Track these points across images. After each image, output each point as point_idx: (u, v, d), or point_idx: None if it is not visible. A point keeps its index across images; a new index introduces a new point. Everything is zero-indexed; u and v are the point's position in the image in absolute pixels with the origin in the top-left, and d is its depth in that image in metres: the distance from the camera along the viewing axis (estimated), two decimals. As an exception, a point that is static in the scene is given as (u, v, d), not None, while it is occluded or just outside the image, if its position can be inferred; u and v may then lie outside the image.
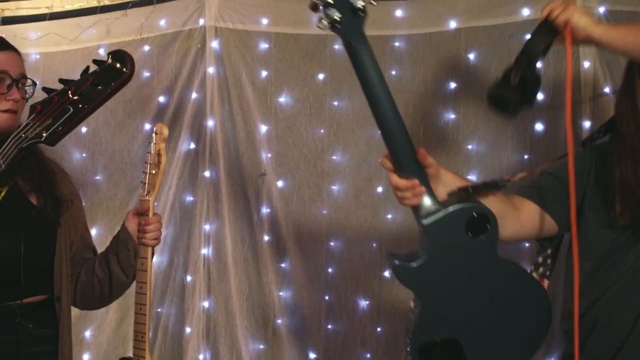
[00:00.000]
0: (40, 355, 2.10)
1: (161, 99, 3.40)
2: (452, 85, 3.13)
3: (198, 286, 3.26)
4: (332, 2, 1.64)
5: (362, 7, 1.65)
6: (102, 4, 3.50)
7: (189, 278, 3.29)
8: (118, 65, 1.73)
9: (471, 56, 3.11)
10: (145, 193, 2.20)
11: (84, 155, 3.45)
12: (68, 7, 3.57)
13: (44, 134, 1.74)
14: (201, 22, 3.35)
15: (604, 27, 1.89)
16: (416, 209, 1.82)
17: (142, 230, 2.18)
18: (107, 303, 2.40)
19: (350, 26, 1.67)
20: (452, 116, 3.13)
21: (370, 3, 1.67)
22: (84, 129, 3.42)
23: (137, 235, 2.19)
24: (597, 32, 1.87)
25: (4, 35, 3.59)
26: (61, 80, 1.81)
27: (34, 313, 2.08)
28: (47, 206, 2.12)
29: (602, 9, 2.93)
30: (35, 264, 2.06)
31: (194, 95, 3.35)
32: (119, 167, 3.44)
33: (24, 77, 2.08)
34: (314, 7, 1.67)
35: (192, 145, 3.35)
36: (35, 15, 3.59)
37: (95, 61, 1.78)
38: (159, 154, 2.21)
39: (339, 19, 1.65)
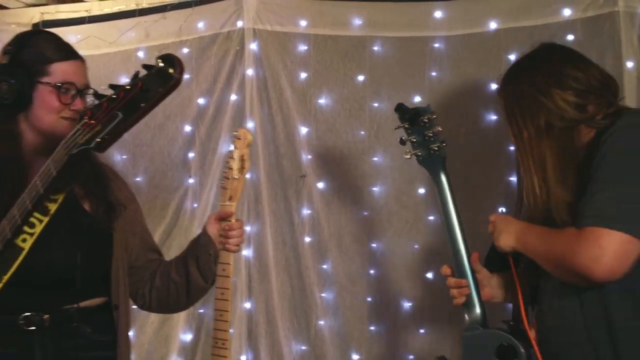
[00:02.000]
0: None
1: (200, 101, 3.42)
2: (493, 86, 3.12)
3: (239, 287, 3.26)
4: (415, 142, 2.24)
5: (436, 149, 2.20)
6: (140, 6, 3.52)
7: (230, 279, 3.30)
8: (167, 69, 1.67)
9: (512, 57, 3.10)
10: (227, 198, 2.16)
11: (124, 157, 3.48)
12: (107, 11, 3.60)
13: (93, 141, 1.70)
14: (239, 24, 3.36)
15: (522, 237, 2.00)
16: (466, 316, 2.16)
17: (225, 235, 2.15)
18: (183, 308, 2.39)
19: (430, 161, 2.23)
20: (494, 117, 3.12)
21: (442, 147, 2.21)
22: (123, 131, 3.44)
23: (219, 240, 2.17)
24: (518, 247, 2.02)
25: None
26: (111, 86, 1.77)
27: (91, 316, 2.07)
28: (99, 211, 2.11)
29: (646, 10, 2.93)
30: (91, 271, 2.06)
31: (233, 97, 3.36)
32: (160, 168, 3.47)
33: (87, 87, 2.08)
34: (403, 143, 2.29)
35: (232, 148, 3.35)
36: (74, 19, 3.61)
37: (144, 66, 1.73)
38: (242, 159, 2.18)
39: (419, 155, 2.24)
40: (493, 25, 3.14)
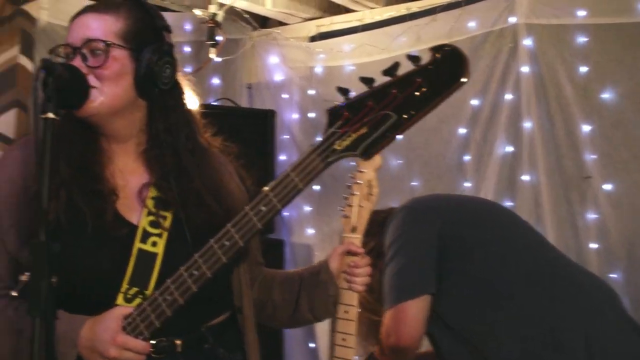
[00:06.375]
0: None
1: (474, 102, 3.35)
2: None
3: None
4: None
5: None
6: (411, 11, 3.52)
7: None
8: (449, 64, 1.37)
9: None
10: (350, 229, 1.81)
11: (399, 161, 3.52)
12: (378, 18, 3.66)
13: (360, 146, 1.41)
14: (511, 20, 3.25)
15: None
16: None
17: (351, 273, 1.77)
18: (276, 327, 2.25)
19: None
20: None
21: None
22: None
23: (344, 278, 1.79)
24: None
25: (320, 50, 3.79)
26: (363, 79, 1.43)
27: (223, 335, 1.68)
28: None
29: None
30: (219, 282, 1.62)
31: (508, 96, 3.27)
32: (434, 172, 3.47)
33: (89, 41, 1.53)
34: None
35: (509, 149, 3.25)
36: (347, 29, 3.73)
37: (410, 57, 1.42)
38: (369, 185, 1.81)
39: None
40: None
